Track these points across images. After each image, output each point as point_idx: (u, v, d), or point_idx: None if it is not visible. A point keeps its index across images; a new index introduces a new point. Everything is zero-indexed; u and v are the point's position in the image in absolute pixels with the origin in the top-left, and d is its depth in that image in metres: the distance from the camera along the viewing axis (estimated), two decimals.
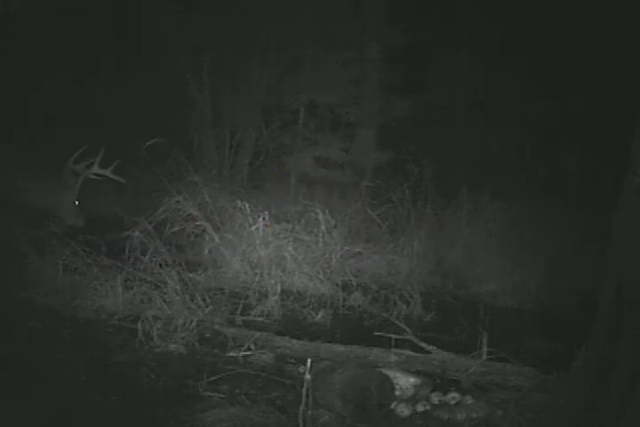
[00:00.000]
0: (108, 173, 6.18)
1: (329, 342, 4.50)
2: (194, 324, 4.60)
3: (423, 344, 4.33)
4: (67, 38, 8.20)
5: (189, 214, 6.00)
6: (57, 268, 5.18)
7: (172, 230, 5.94)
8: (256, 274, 5.69)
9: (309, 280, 5.77)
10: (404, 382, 4.01)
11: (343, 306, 5.53)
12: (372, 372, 3.97)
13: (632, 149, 3.28)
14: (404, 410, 3.89)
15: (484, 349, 4.20)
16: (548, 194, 7.77)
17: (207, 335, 4.63)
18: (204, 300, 4.95)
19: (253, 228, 5.94)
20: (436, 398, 4.02)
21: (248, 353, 4.42)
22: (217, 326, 4.71)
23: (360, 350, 4.29)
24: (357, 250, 6.27)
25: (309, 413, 3.39)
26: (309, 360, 3.41)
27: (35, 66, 7.86)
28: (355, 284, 5.79)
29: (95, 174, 6.22)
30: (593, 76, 8.14)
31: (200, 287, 5.28)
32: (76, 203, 6.14)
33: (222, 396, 3.90)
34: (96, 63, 8.48)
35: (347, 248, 6.18)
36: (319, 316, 5.29)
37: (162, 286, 4.98)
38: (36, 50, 7.96)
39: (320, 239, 6.06)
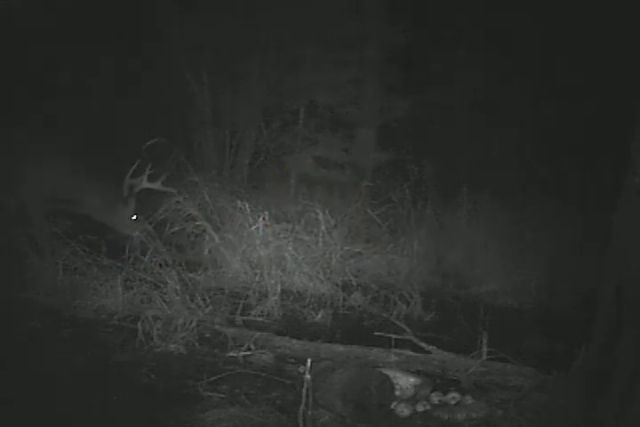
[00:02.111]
0: (157, 186, 6.02)
1: (329, 342, 4.50)
2: (194, 324, 4.60)
3: (423, 344, 4.33)
4: (66, 38, 8.20)
5: (189, 214, 5.99)
6: (57, 268, 5.17)
7: (172, 230, 5.94)
8: (256, 274, 5.69)
9: (309, 280, 5.76)
10: (404, 382, 4.01)
11: (343, 306, 5.53)
12: (372, 372, 3.97)
13: (632, 149, 3.29)
14: (404, 410, 3.89)
15: (484, 349, 4.20)
16: (548, 194, 7.77)
17: (207, 335, 4.63)
18: (203, 300, 4.95)
19: (253, 228, 5.94)
20: (436, 398, 4.02)
21: (248, 353, 4.42)
22: (217, 326, 4.71)
23: (360, 350, 4.29)
24: (357, 250, 6.27)
25: (309, 413, 3.39)
26: (309, 360, 3.41)
27: (34, 67, 7.86)
28: (355, 284, 5.78)
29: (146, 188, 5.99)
30: (593, 76, 8.14)
31: (200, 287, 5.28)
32: (134, 217, 5.90)
33: (222, 396, 3.90)
34: (96, 63, 8.48)
35: (347, 248, 6.17)
36: (319, 316, 5.29)
37: (162, 285, 4.97)
38: (36, 51, 7.97)
39: (320, 239, 6.06)
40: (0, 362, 3.87)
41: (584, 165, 8.06)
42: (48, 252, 5.47)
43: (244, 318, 5.08)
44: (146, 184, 5.88)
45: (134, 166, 5.76)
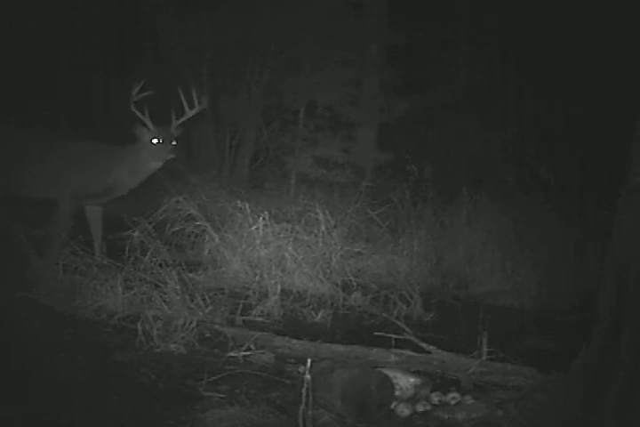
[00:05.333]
0: (202, 106, 5.83)
1: (329, 342, 4.50)
2: (194, 324, 4.59)
3: (423, 344, 4.32)
4: (67, 39, 8.21)
5: (189, 214, 5.99)
6: (57, 268, 5.16)
7: (172, 230, 5.93)
8: (256, 274, 5.68)
9: (309, 280, 5.76)
10: (404, 382, 4.01)
11: (343, 306, 5.52)
12: (372, 372, 3.97)
13: (632, 148, 3.29)
14: (403, 410, 3.89)
15: (484, 349, 4.20)
16: (548, 194, 7.78)
17: (207, 335, 4.62)
18: (203, 300, 4.94)
19: (253, 228, 5.94)
20: (435, 398, 4.01)
21: (248, 353, 4.41)
22: (217, 326, 4.70)
23: (360, 350, 4.28)
24: (357, 250, 6.27)
25: (309, 413, 3.38)
26: (309, 360, 3.40)
27: (33, 69, 7.87)
28: (355, 284, 5.78)
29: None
30: (593, 76, 8.15)
31: (200, 287, 5.27)
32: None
33: (222, 396, 3.89)
34: (96, 63, 8.49)
35: (347, 248, 6.17)
36: (319, 316, 5.29)
37: (162, 286, 4.97)
38: (36, 52, 7.97)
39: (320, 239, 6.05)
40: (0, 362, 3.87)
41: (584, 165, 8.08)
42: (55, 251, 5.45)
43: (244, 318, 5.07)
44: (197, 108, 5.75)
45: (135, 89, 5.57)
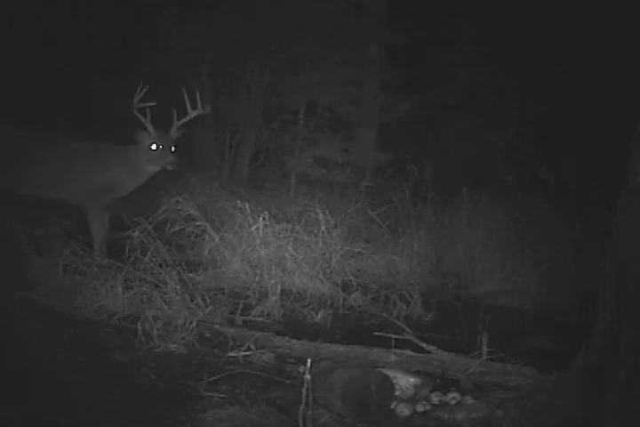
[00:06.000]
0: (206, 109, 5.89)
1: (329, 342, 4.50)
2: (194, 324, 4.60)
3: (423, 344, 4.32)
4: (67, 39, 8.21)
5: (189, 214, 5.99)
6: (57, 268, 5.16)
7: (172, 230, 5.93)
8: (256, 274, 5.68)
9: (309, 280, 5.76)
10: (404, 382, 4.01)
11: (343, 306, 5.53)
12: (372, 372, 3.97)
13: (632, 148, 3.29)
14: (403, 410, 3.89)
15: (484, 349, 4.20)
16: (548, 194, 7.78)
17: (207, 335, 4.63)
18: (203, 300, 4.94)
19: (253, 228, 5.94)
20: (435, 398, 4.01)
21: (248, 353, 4.42)
22: (217, 326, 4.71)
23: (360, 350, 4.29)
24: (357, 250, 6.27)
25: (309, 413, 3.38)
26: (309, 360, 3.40)
27: (33, 69, 7.87)
28: (355, 284, 5.78)
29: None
30: (593, 76, 8.15)
31: (200, 287, 5.27)
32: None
33: (222, 396, 3.89)
34: (96, 63, 8.49)
35: (347, 248, 6.17)
36: (319, 316, 5.29)
37: (162, 286, 4.97)
38: (36, 52, 7.97)
39: (320, 239, 6.05)
40: (0, 362, 3.87)
41: (584, 165, 8.08)
42: (48, 252, 5.45)
43: (244, 318, 5.07)
44: (199, 110, 5.75)
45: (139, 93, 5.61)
